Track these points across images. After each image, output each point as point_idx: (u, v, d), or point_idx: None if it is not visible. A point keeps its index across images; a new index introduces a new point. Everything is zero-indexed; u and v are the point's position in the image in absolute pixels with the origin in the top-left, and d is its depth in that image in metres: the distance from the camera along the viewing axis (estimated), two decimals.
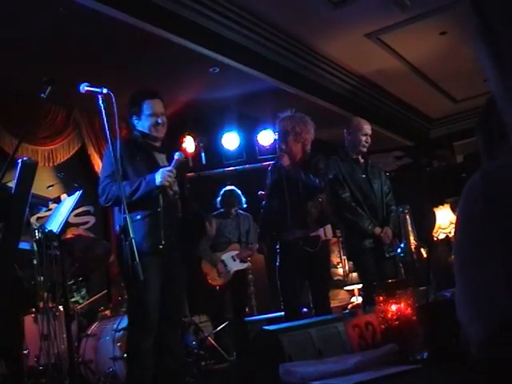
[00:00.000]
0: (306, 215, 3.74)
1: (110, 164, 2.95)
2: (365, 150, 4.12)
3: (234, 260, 5.48)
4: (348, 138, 4.15)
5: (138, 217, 3.00)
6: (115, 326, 4.06)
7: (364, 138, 4.08)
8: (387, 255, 3.98)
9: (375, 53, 5.96)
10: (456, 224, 0.72)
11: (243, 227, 5.63)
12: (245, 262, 5.56)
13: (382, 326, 1.45)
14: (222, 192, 5.60)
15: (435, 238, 6.41)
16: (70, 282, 4.40)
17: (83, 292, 4.61)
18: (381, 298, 1.44)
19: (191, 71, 5.21)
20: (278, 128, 3.93)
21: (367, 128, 4.12)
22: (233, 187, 5.61)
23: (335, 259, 6.92)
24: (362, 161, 4.15)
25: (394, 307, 1.42)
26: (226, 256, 5.47)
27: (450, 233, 6.49)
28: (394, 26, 5.43)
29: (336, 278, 6.76)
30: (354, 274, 6.26)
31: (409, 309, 1.41)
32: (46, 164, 5.42)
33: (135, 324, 3.02)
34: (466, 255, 0.69)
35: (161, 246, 3.02)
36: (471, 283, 0.68)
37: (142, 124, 3.17)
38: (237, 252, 5.51)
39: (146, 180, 3.03)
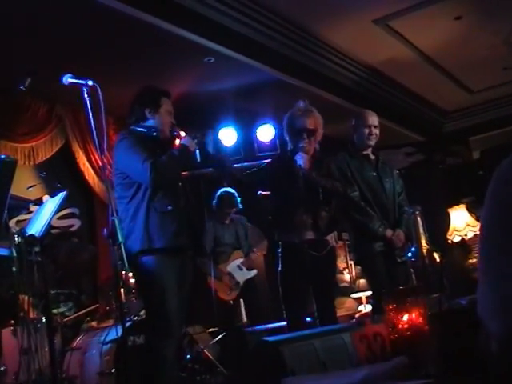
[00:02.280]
0: (319, 219, 3.74)
1: (140, 148, 3.05)
2: (372, 143, 4.10)
3: (241, 269, 5.51)
4: (353, 132, 4.15)
5: (169, 207, 3.07)
6: (102, 339, 4.05)
7: (367, 131, 4.05)
8: (399, 260, 3.98)
9: (384, 40, 5.96)
10: (484, 210, 0.72)
11: (240, 231, 5.64)
12: (252, 269, 5.60)
13: (392, 337, 1.45)
14: (217, 194, 5.60)
15: (449, 242, 6.41)
16: (55, 291, 4.41)
17: (70, 305, 4.60)
18: (390, 307, 1.45)
19: (184, 61, 5.21)
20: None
21: (371, 119, 4.10)
22: (228, 188, 5.60)
23: (341, 264, 6.93)
24: (372, 157, 4.14)
25: (404, 317, 1.42)
26: (232, 267, 5.49)
27: (465, 235, 6.48)
28: (405, 10, 5.42)
29: (342, 285, 6.77)
30: (362, 281, 6.27)
31: (420, 318, 1.41)
32: (27, 162, 5.41)
33: (158, 332, 3.02)
34: (494, 241, 0.69)
35: (182, 245, 3.10)
36: (497, 272, 0.67)
37: (158, 119, 3.24)
38: (241, 260, 5.53)
39: (176, 149, 3.18)
